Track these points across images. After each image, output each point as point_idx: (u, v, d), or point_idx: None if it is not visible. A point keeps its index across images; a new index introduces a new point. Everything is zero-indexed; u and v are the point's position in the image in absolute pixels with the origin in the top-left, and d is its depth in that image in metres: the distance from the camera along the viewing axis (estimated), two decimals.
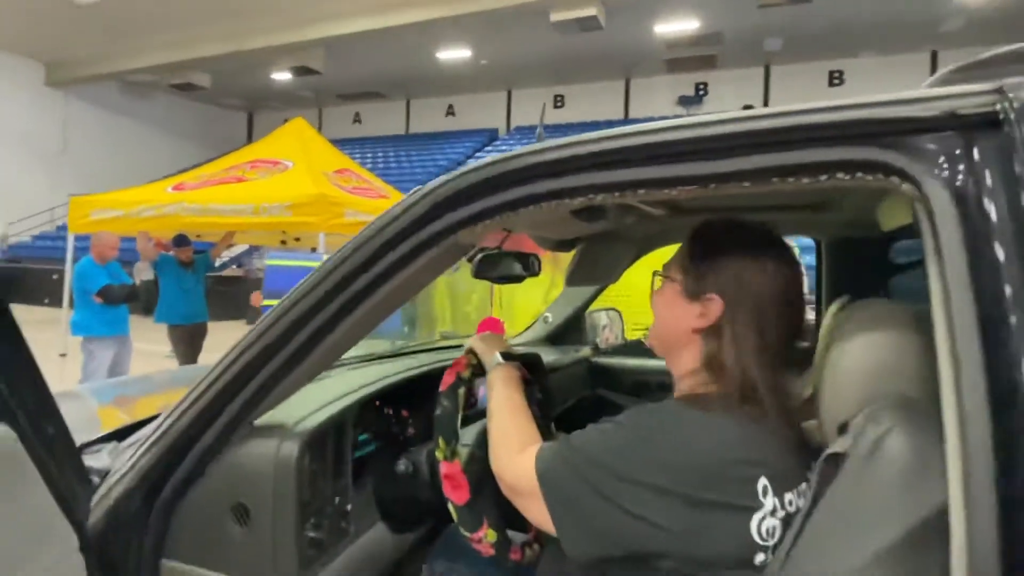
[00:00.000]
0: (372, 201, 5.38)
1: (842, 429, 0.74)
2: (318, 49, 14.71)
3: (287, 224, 4.80)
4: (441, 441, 0.99)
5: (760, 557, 0.71)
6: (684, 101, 16.08)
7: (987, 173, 0.58)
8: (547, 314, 2.38)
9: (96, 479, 0.96)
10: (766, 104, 16.63)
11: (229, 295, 10.56)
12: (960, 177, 0.59)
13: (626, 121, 16.65)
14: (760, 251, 0.84)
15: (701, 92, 16.08)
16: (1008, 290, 0.55)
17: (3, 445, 0.63)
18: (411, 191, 0.88)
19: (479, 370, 1.11)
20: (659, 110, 16.40)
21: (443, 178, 0.85)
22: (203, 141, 20.53)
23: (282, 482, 0.93)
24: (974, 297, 0.56)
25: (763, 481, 0.72)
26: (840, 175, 0.66)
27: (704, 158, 0.71)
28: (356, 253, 0.89)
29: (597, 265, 1.75)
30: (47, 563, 0.71)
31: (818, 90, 14.85)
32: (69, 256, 5.98)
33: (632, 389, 2.38)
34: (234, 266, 12.24)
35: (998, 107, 0.59)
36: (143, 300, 4.64)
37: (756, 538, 0.71)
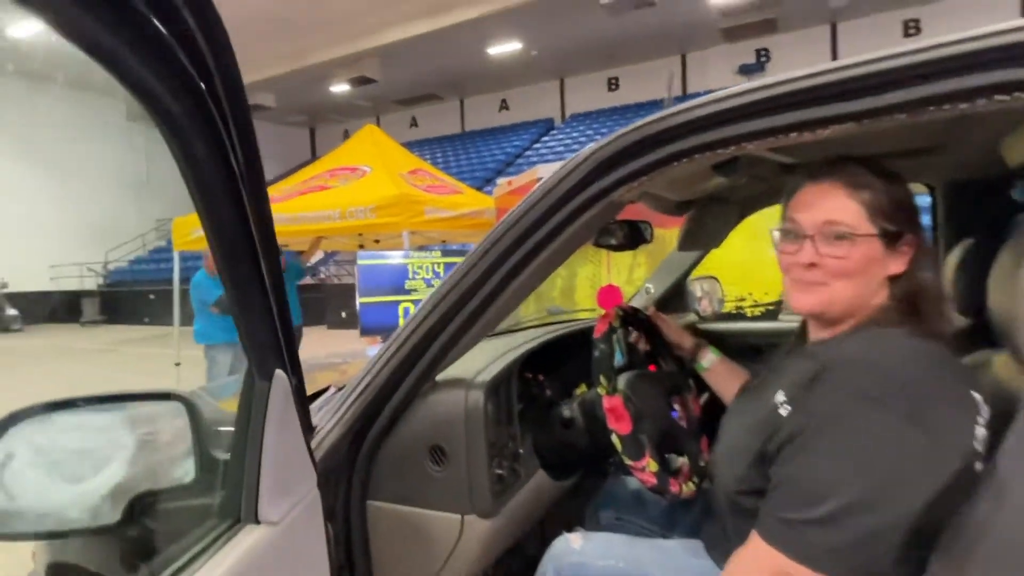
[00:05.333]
0: (447, 197, 5.56)
1: None
2: (373, 58, 15.18)
3: (372, 225, 5.03)
4: (602, 378, 1.08)
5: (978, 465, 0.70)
6: (745, 70, 15.55)
7: None
8: (648, 285, 2.43)
9: None
10: None
11: (307, 302, 11.24)
12: None
13: (684, 97, 16.28)
14: (900, 181, 0.86)
15: (763, 59, 15.51)
16: None
17: (284, 385, 0.77)
18: (574, 156, 0.97)
19: (626, 320, 1.22)
20: (718, 82, 15.92)
21: (603, 140, 0.93)
22: (270, 159, 21.63)
23: (473, 425, 1.04)
24: None
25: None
26: (998, 97, 0.69)
27: (863, 95, 0.76)
28: (525, 216, 0.98)
29: (704, 230, 1.81)
30: (303, 493, 0.85)
31: (892, 44, 13.97)
32: (176, 273, 6.47)
33: (736, 352, 2.40)
34: (308, 275, 12.91)
35: None
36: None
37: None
